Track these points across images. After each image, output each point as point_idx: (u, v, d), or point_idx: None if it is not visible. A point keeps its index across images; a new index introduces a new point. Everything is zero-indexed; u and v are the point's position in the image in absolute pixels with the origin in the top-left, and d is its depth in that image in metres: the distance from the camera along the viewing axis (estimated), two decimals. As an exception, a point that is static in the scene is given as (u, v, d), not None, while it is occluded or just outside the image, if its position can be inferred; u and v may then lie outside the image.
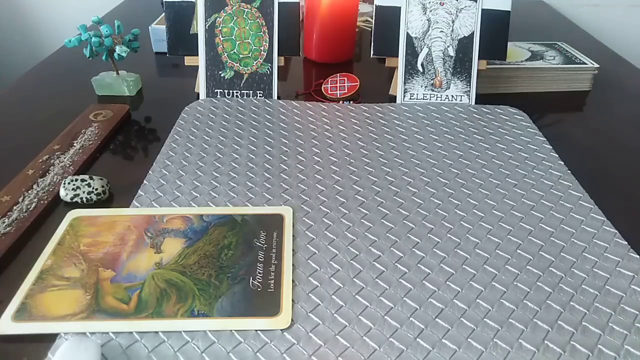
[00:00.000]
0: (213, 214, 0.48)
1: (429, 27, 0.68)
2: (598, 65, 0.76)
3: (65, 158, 0.56)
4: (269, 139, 0.61)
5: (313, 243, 0.45)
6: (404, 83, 0.69)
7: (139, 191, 0.52)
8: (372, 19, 0.88)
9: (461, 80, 0.69)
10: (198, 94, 0.72)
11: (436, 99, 0.69)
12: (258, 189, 0.52)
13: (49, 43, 1.44)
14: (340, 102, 0.71)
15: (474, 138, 0.62)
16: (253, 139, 0.61)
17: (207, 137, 0.61)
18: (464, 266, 0.43)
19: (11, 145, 0.60)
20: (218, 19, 0.68)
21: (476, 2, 0.68)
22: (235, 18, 0.68)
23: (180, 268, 0.42)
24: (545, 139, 0.62)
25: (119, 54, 0.68)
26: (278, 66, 0.69)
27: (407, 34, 0.68)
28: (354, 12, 0.83)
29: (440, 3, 0.68)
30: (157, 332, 0.37)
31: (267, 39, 0.68)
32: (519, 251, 0.45)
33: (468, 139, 0.62)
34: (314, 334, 0.37)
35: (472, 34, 0.68)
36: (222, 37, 0.68)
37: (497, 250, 0.45)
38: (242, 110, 0.67)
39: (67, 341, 0.34)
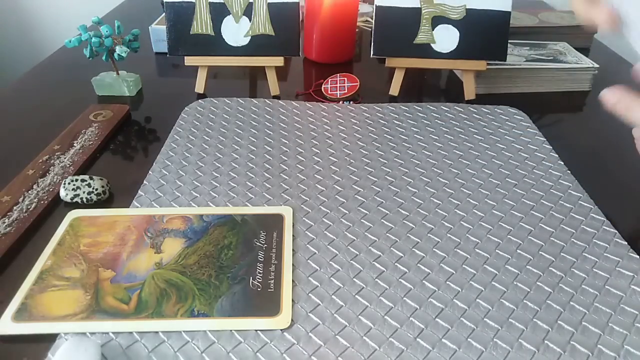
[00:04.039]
0: (213, 214, 0.48)
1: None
2: (598, 65, 0.76)
3: (65, 158, 0.56)
4: (269, 139, 0.61)
5: (313, 243, 0.45)
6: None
7: (139, 191, 0.52)
8: (372, 19, 0.88)
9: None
10: (198, 94, 0.72)
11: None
12: (258, 189, 0.52)
13: (49, 43, 1.44)
14: (340, 102, 0.71)
15: (474, 138, 0.62)
16: (253, 139, 0.61)
17: (207, 137, 0.61)
18: (464, 266, 0.43)
19: (11, 145, 0.60)
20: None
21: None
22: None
23: (180, 268, 0.42)
24: (545, 139, 0.62)
25: (119, 54, 0.68)
26: (278, 66, 0.70)
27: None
28: (354, 12, 0.83)
29: None
30: (157, 332, 0.37)
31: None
32: (519, 251, 0.45)
33: (468, 139, 0.62)
34: (314, 334, 0.37)
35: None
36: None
37: (497, 250, 0.45)
38: (242, 110, 0.68)
39: (67, 341, 0.34)
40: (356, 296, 0.40)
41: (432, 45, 0.69)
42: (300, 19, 0.70)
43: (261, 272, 0.42)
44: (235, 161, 0.57)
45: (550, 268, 0.43)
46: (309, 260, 0.43)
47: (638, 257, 0.44)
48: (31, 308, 0.38)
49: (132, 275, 0.41)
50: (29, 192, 0.50)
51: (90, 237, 0.45)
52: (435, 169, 0.56)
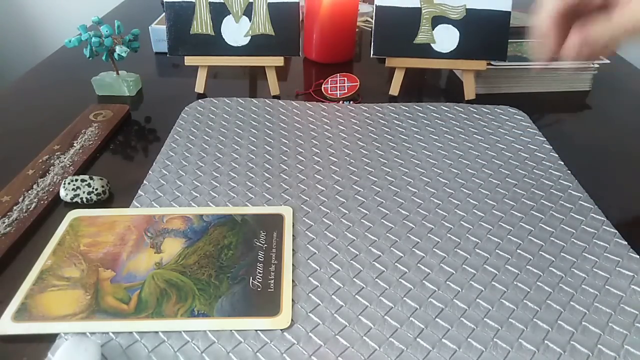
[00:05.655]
0: (213, 214, 0.48)
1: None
2: (598, 65, 0.76)
3: (65, 158, 0.56)
4: (269, 139, 0.61)
5: (313, 243, 0.45)
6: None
7: (139, 191, 0.52)
8: (372, 19, 0.88)
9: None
10: (198, 94, 0.72)
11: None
12: (258, 189, 0.52)
13: (49, 43, 1.44)
14: (340, 102, 0.71)
15: (474, 138, 0.62)
16: (253, 139, 0.61)
17: (207, 137, 0.61)
18: (464, 266, 0.43)
19: (11, 145, 0.60)
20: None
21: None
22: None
23: (180, 268, 0.42)
24: (545, 139, 0.62)
25: (119, 54, 0.68)
26: (278, 66, 0.70)
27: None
28: (354, 12, 0.83)
29: None
30: (157, 332, 0.37)
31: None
32: (519, 251, 0.45)
33: (468, 139, 0.62)
34: (314, 334, 0.37)
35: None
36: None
37: (497, 250, 0.45)
38: (242, 110, 0.68)
39: (67, 341, 0.34)
40: (356, 296, 0.40)
41: (432, 45, 0.69)
42: (300, 19, 0.70)
43: (261, 272, 0.42)
44: (235, 161, 0.57)
45: (550, 268, 0.43)
46: (309, 260, 0.43)
47: (638, 257, 0.44)
48: (31, 308, 0.38)
49: (132, 275, 0.41)
50: (29, 192, 0.50)
51: (90, 237, 0.45)
52: (435, 169, 0.56)
